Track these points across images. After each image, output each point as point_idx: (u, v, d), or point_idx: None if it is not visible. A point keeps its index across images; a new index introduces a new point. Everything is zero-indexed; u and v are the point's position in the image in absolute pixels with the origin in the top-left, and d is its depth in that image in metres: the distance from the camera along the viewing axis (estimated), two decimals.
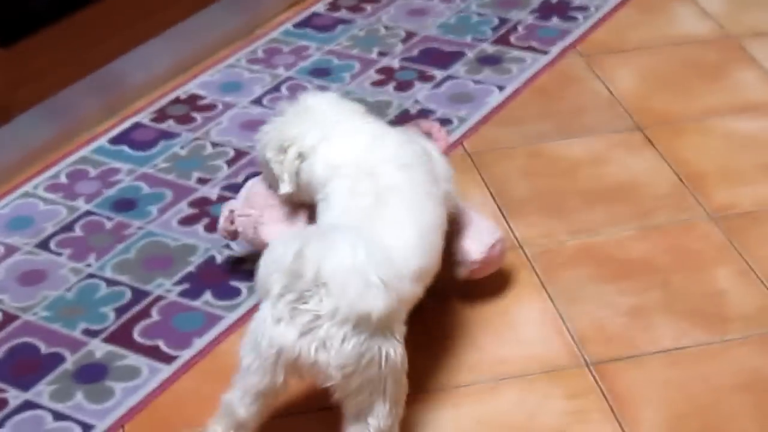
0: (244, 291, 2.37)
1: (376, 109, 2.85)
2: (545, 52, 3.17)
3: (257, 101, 2.99)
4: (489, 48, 3.19)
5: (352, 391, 1.83)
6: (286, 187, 2.17)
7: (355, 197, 2.02)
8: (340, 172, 2.08)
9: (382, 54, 3.19)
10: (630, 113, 2.91)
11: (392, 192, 2.02)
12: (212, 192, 2.66)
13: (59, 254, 2.49)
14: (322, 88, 3.00)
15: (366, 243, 1.79)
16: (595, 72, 3.08)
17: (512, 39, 3.25)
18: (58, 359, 2.21)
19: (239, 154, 2.78)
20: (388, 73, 3.11)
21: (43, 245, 2.51)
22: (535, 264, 2.43)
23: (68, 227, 2.57)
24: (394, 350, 1.83)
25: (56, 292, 2.38)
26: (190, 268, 2.43)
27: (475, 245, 2.23)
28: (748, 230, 2.52)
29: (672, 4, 3.41)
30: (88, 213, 2.61)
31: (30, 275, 2.43)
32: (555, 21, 3.33)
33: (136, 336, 2.26)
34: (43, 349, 2.24)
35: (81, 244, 2.51)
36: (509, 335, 2.25)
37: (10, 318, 2.32)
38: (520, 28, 3.30)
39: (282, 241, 1.83)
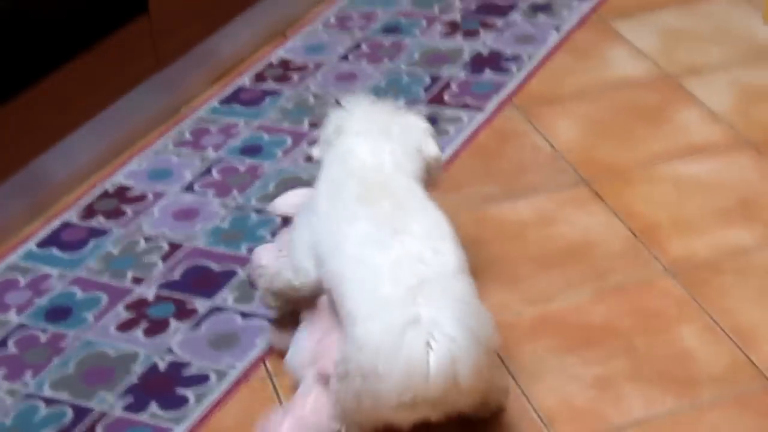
0: (192, 398, 2.24)
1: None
2: (481, 109, 3.08)
3: (188, 187, 2.87)
4: (424, 110, 3.08)
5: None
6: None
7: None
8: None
9: (312, 125, 3.07)
10: (574, 167, 2.82)
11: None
12: (149, 292, 2.53)
13: None
14: (254, 168, 2.90)
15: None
16: (534, 125, 2.99)
17: (446, 97, 3.15)
18: None
19: (174, 247, 2.66)
20: None
21: None
22: None
23: (1, 344, 2.43)
24: None
25: None
26: (133, 379, 2.30)
27: None
28: (707, 281, 2.44)
29: (605, 45, 3.33)
30: (21, 326, 2.48)
31: None
32: (488, 74, 3.24)
33: None
34: None
35: (16, 362, 2.38)
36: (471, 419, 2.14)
37: None
38: (453, 85, 3.21)
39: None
